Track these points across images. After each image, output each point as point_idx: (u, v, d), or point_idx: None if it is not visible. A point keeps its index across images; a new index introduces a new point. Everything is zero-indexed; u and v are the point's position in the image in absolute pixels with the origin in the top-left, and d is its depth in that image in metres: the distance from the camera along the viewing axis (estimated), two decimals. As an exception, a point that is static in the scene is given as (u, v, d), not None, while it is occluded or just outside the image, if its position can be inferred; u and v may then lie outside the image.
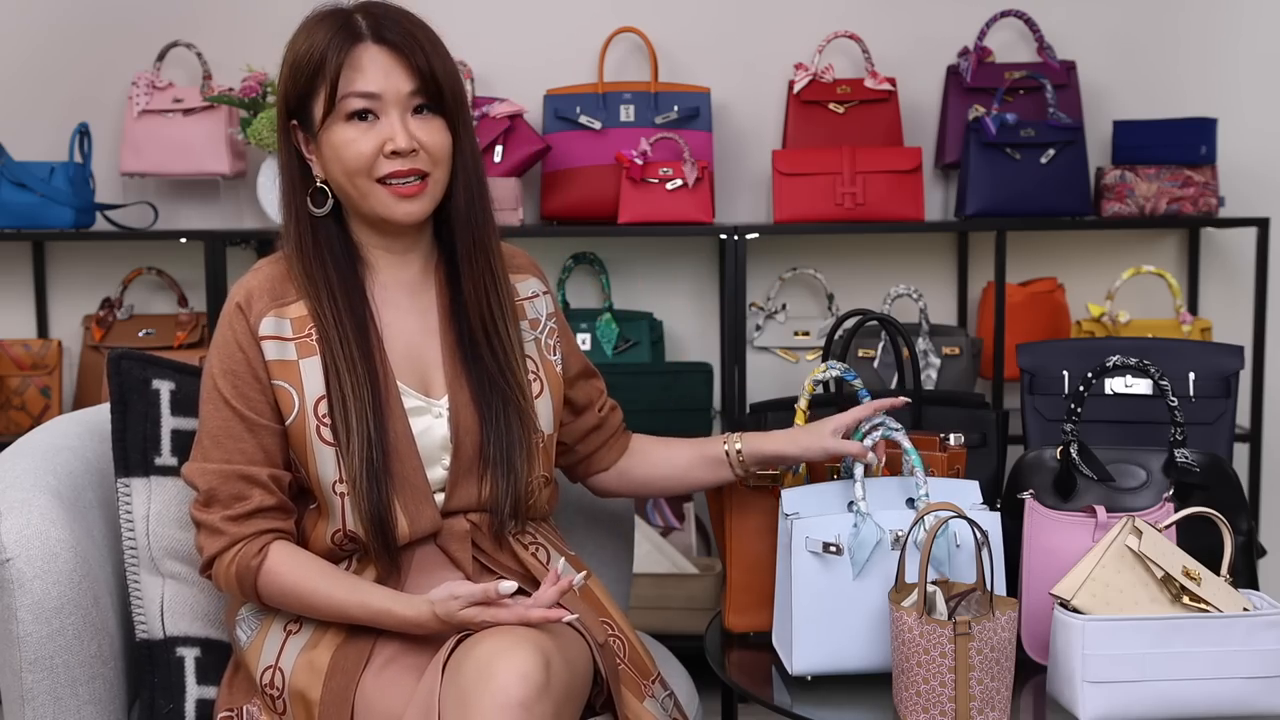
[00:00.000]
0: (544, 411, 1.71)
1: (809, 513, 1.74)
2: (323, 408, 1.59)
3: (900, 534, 1.70)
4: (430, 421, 1.63)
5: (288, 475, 1.62)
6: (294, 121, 1.63)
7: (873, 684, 1.70)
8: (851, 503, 1.73)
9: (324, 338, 1.60)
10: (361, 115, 1.58)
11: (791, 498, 1.76)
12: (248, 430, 1.60)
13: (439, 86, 1.60)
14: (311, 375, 1.60)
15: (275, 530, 1.61)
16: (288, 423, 1.60)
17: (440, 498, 1.64)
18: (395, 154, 1.58)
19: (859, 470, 1.74)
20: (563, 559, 1.62)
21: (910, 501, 1.75)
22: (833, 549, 1.69)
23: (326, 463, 1.59)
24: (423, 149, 1.59)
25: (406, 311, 1.68)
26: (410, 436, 1.61)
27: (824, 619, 1.70)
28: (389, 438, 1.60)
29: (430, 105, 1.61)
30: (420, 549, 1.63)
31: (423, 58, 1.59)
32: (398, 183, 1.59)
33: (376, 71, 1.58)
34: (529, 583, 1.65)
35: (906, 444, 1.77)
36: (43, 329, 3.30)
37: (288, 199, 1.66)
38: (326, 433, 1.59)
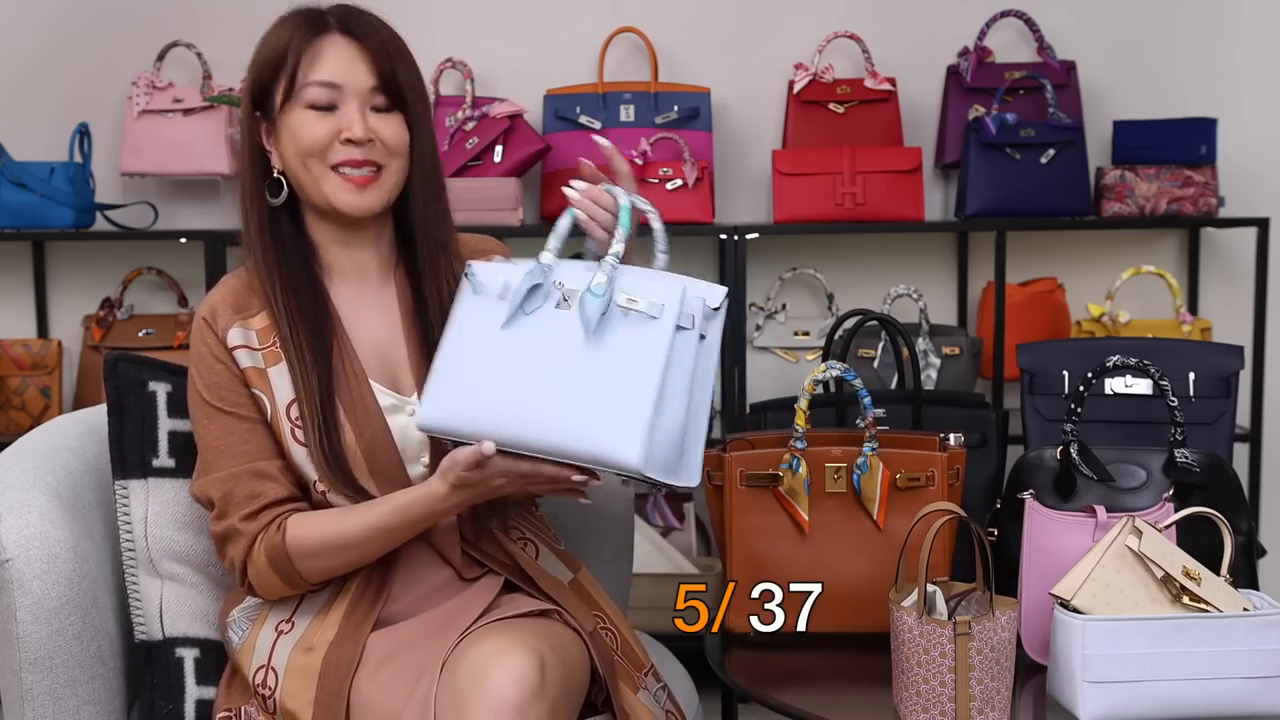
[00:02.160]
0: None
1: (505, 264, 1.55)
2: (294, 411, 1.61)
3: (568, 290, 1.47)
4: (405, 420, 1.63)
5: (291, 468, 1.63)
6: (257, 113, 1.65)
7: (873, 684, 1.70)
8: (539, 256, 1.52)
9: (285, 348, 1.61)
10: (321, 105, 1.60)
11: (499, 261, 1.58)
12: (248, 429, 1.61)
13: (399, 85, 1.62)
14: (280, 382, 1.62)
15: (288, 511, 1.61)
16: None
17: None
18: (350, 142, 1.60)
19: (563, 220, 1.54)
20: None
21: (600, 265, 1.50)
22: (470, 275, 1.52)
23: (305, 463, 1.60)
24: (378, 140, 1.61)
25: (368, 310, 1.69)
26: (389, 435, 1.62)
27: (463, 369, 1.49)
28: (367, 437, 1.60)
29: (389, 103, 1.63)
30: (409, 546, 1.63)
31: (384, 56, 1.62)
32: (351, 171, 1.61)
33: (338, 62, 1.60)
34: (518, 575, 1.65)
35: (623, 200, 1.54)
36: (43, 329, 3.30)
37: (245, 190, 1.66)
38: (300, 434, 1.60)
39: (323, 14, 1.63)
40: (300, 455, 1.60)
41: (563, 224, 1.53)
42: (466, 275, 1.54)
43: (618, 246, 1.49)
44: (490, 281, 1.51)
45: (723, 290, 1.51)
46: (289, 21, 1.63)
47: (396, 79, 1.62)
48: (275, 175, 1.64)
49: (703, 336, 1.48)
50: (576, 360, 1.45)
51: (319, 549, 1.57)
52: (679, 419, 1.44)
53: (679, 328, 1.45)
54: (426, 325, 1.67)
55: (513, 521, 1.72)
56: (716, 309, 1.49)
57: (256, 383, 1.61)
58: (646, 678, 1.68)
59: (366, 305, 1.68)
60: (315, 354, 1.61)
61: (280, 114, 1.61)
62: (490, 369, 1.47)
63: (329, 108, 1.60)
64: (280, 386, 1.61)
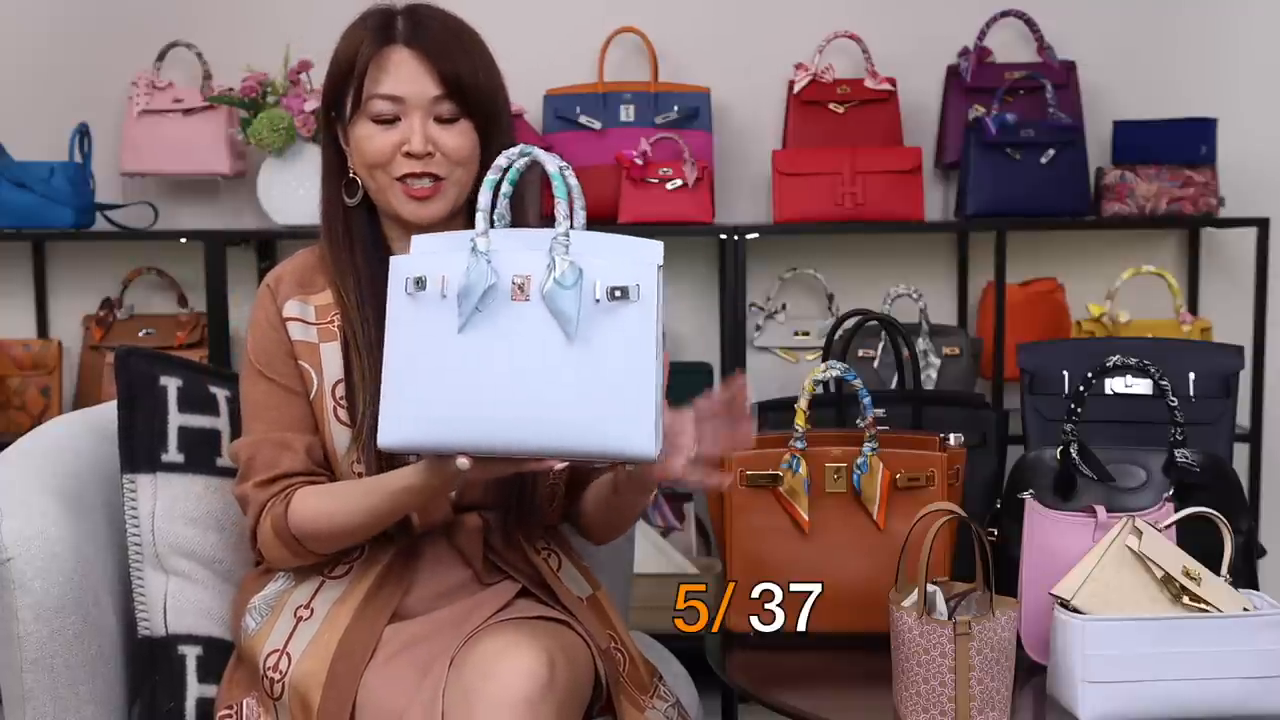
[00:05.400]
0: None
1: (430, 249, 1.43)
2: (340, 390, 1.62)
3: (523, 280, 1.36)
4: None
5: (319, 444, 1.63)
6: (332, 114, 1.67)
7: (873, 684, 1.69)
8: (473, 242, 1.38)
9: (346, 322, 1.63)
10: (385, 118, 1.61)
11: (421, 243, 1.46)
12: (286, 398, 1.63)
13: (464, 93, 1.62)
14: (331, 359, 1.64)
15: (300, 484, 1.61)
16: (310, 398, 1.63)
17: (453, 492, 1.64)
18: (410, 155, 1.60)
19: (484, 197, 1.40)
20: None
21: (552, 248, 1.37)
22: (420, 283, 1.39)
23: (343, 442, 1.61)
24: (440, 152, 1.61)
25: None
26: None
27: (419, 379, 1.38)
28: None
29: (456, 111, 1.62)
30: (432, 545, 1.64)
31: (450, 63, 1.61)
32: (413, 183, 1.62)
33: (402, 75, 1.61)
34: (537, 584, 1.65)
35: (550, 166, 1.39)
36: (43, 329, 3.30)
37: (324, 186, 1.70)
38: (343, 414, 1.62)
39: (393, 17, 1.63)
40: (340, 435, 1.61)
41: (484, 200, 1.41)
42: (391, 272, 1.43)
43: (564, 224, 1.38)
44: (425, 276, 1.39)
45: (660, 245, 1.41)
46: (362, 25, 1.64)
47: (461, 83, 1.61)
48: (350, 176, 1.66)
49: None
50: (556, 355, 1.35)
51: (318, 528, 1.57)
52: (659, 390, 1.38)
53: None
54: None
55: (536, 534, 1.72)
56: (661, 266, 1.39)
57: (305, 356, 1.64)
58: (653, 699, 1.68)
59: None
60: (378, 339, 1.60)
61: (349, 123, 1.63)
62: (452, 377, 1.36)
63: (393, 120, 1.61)
64: (330, 364, 1.63)
